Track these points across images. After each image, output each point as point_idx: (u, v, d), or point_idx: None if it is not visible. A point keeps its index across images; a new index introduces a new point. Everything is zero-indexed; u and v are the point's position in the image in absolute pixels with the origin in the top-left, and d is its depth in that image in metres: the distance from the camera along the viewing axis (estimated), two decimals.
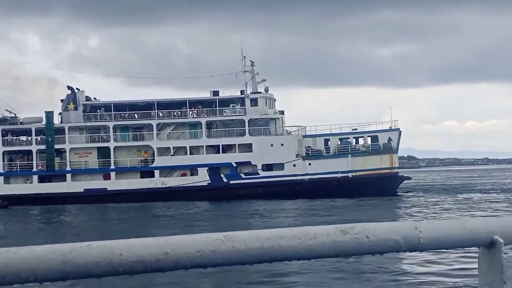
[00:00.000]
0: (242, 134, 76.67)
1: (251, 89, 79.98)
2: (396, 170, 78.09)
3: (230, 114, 78.33)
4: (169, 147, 76.77)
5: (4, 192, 73.18)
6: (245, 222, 43.50)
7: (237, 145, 76.27)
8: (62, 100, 79.08)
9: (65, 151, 76.58)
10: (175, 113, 79.08)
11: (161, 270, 2.32)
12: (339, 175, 74.55)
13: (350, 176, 74.68)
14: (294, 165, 75.03)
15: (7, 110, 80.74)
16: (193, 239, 2.38)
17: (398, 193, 73.95)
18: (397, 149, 77.99)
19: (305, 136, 77.81)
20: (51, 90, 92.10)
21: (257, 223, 43.02)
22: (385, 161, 75.63)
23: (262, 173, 75.08)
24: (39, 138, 77.36)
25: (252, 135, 76.48)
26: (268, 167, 75.38)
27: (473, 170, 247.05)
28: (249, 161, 75.37)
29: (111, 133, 76.99)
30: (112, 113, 78.29)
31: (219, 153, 76.27)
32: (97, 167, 76.37)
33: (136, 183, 74.99)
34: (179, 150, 76.73)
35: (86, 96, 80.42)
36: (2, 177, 75.60)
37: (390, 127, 78.42)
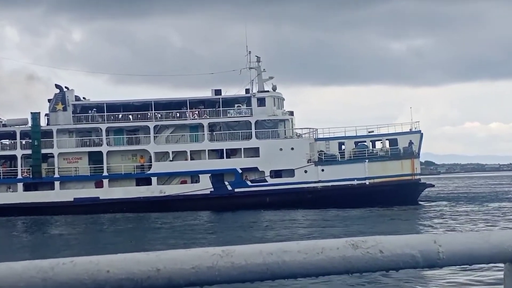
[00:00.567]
0: (248, 137, 76.52)
1: (257, 88, 79.77)
2: (418, 177, 77.89)
3: (235, 115, 78.15)
4: (167, 152, 76.65)
5: None
6: (251, 235, 43.44)
7: (242, 150, 76.10)
8: (49, 100, 78.81)
9: (53, 156, 76.45)
10: (174, 114, 78.93)
11: None
12: (355, 182, 74.35)
13: (367, 183, 74.46)
14: (306, 171, 74.85)
15: None
16: (188, 254, 2.36)
17: (420, 202, 73.75)
18: (419, 154, 77.77)
19: (317, 139, 77.59)
20: (29, 88, 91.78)
21: (264, 236, 42.95)
22: (406, 167, 75.36)
23: (270, 180, 74.89)
24: (24, 142, 77.19)
25: (259, 138, 76.32)
26: (276, 173, 75.21)
27: (499, 176, 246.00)
28: (256, 167, 75.21)
29: (104, 136, 76.86)
30: (105, 114, 78.12)
31: (223, 158, 76.14)
32: (89, 174, 76.26)
33: (131, 191, 74.82)
34: (178, 155, 76.61)
35: (76, 96, 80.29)
36: None
37: (410, 129, 78.14)
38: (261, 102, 78.02)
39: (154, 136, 76.73)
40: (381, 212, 60.12)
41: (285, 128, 78.08)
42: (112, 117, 78.43)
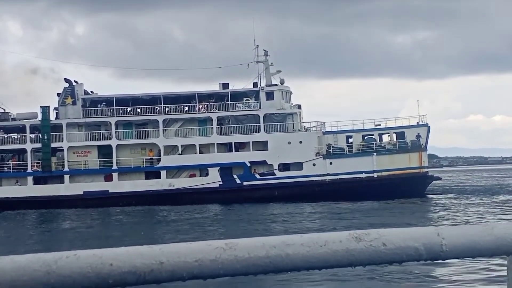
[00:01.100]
0: (257, 130, 76.54)
1: (265, 81, 79.79)
2: (426, 170, 77.89)
3: (244, 109, 78.19)
4: (176, 145, 76.74)
5: None
6: (259, 227, 43.46)
7: (251, 143, 76.13)
8: (58, 94, 78.94)
9: (63, 150, 76.62)
10: (183, 108, 79.01)
11: (155, 281, 2.31)
12: (363, 175, 74.35)
13: (375, 176, 74.46)
14: (314, 165, 74.86)
15: None
16: (191, 247, 2.36)
17: (427, 195, 73.75)
18: (426, 147, 77.69)
19: (325, 133, 77.58)
20: (32, 82, 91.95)
21: (272, 228, 42.96)
22: (413, 160, 75.37)
23: (278, 174, 74.92)
24: (33, 136, 77.37)
25: (268, 131, 76.34)
26: (285, 167, 75.25)
27: (502, 169, 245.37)
28: (265, 160, 75.26)
29: (113, 130, 76.97)
30: (114, 108, 78.25)
31: (232, 151, 76.22)
32: (98, 168, 76.40)
33: (140, 184, 74.96)
34: (187, 149, 76.69)
35: (85, 90, 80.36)
36: None
37: (417, 123, 78.11)
38: (270, 95, 78.01)
39: (163, 129, 76.81)
40: (389, 205, 60.07)
41: (293, 121, 78.09)
42: (121, 111, 78.50)
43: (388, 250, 2.56)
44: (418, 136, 76.16)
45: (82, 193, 74.21)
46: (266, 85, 79.19)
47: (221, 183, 74.82)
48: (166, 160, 75.93)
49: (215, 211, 61.68)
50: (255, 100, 78.36)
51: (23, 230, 49.58)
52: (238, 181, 75.08)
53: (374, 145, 75.93)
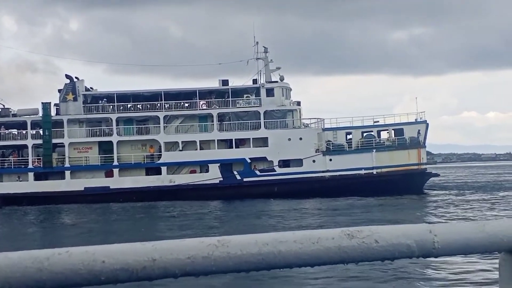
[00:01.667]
0: (257, 127, 76.57)
1: (264, 78, 79.78)
2: (424, 167, 77.98)
3: (244, 106, 78.17)
4: (177, 142, 76.72)
5: None
6: (259, 224, 43.48)
7: (251, 139, 76.18)
8: (59, 90, 78.88)
9: (64, 146, 76.61)
10: (183, 105, 78.98)
11: (148, 278, 2.30)
12: (362, 171, 74.40)
13: (375, 173, 74.50)
14: (314, 161, 74.90)
15: None
16: (184, 244, 2.35)
17: (425, 191, 73.82)
18: (425, 144, 77.71)
19: (325, 129, 77.60)
20: (27, 77, 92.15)
21: (272, 224, 42.94)
22: (412, 157, 75.46)
23: (278, 170, 74.95)
24: (34, 132, 77.39)
25: (268, 128, 76.36)
26: (285, 163, 75.29)
27: (496, 166, 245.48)
28: (265, 157, 75.29)
29: (114, 126, 76.96)
30: (115, 104, 78.25)
31: (232, 148, 76.26)
32: (99, 164, 76.42)
33: (141, 180, 75.01)
34: (188, 145, 76.69)
35: (85, 87, 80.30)
36: None
37: (416, 119, 78.22)
38: (270, 92, 78.01)
39: (164, 126, 76.82)
40: (388, 201, 60.07)
41: (293, 118, 78.13)
42: (122, 107, 78.54)
43: (381, 247, 2.56)
44: (419, 133, 76.27)
45: (83, 189, 74.23)
46: (266, 81, 79.17)
47: (221, 179, 74.84)
48: (167, 156, 75.94)
49: (216, 207, 61.68)
50: (255, 96, 78.39)
51: (24, 226, 49.56)
52: (238, 177, 75.12)
53: (374, 141, 76.00)
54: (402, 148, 75.53)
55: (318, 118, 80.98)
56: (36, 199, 71.55)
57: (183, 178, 75.29)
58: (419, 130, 76.46)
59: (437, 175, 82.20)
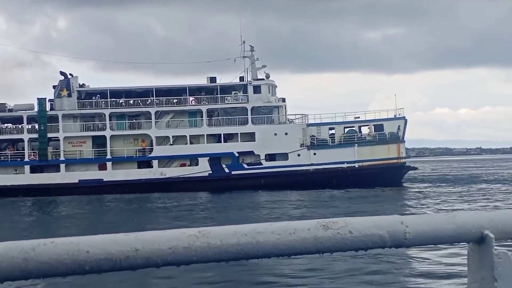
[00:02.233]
0: (245, 122, 76.65)
1: (251, 76, 79.86)
2: (403, 160, 78.32)
3: (232, 102, 78.28)
4: (168, 136, 76.71)
5: None
6: (247, 214, 43.51)
7: (239, 134, 76.27)
8: (54, 87, 78.73)
9: (59, 140, 76.46)
10: (174, 101, 78.95)
11: (131, 268, 2.29)
12: (345, 165, 74.63)
13: (357, 166, 74.74)
14: (299, 155, 75.10)
15: None
16: (166, 235, 2.35)
17: (403, 184, 74.22)
18: (403, 139, 77.96)
19: (309, 125, 77.75)
20: (16, 73, 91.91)
21: (259, 215, 43.01)
22: (392, 151, 75.80)
23: (265, 163, 75.10)
24: (29, 127, 77.29)
25: (255, 123, 76.49)
26: (271, 157, 75.43)
27: (467, 160, 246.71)
28: (252, 151, 75.40)
29: (107, 121, 76.86)
30: (108, 100, 78.14)
31: (221, 142, 76.32)
32: (92, 157, 76.33)
33: (133, 173, 74.98)
34: (178, 139, 76.69)
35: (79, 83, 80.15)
36: None
37: (395, 115, 78.48)
38: (257, 89, 78.17)
39: (155, 121, 76.82)
40: (369, 193, 60.25)
41: (279, 114, 78.28)
42: (115, 103, 78.42)
43: (354, 238, 2.56)
44: (399, 128, 76.63)
45: (77, 181, 74.17)
46: (252, 79, 79.24)
47: (210, 172, 74.90)
48: (158, 150, 75.93)
49: (205, 198, 61.70)
50: (243, 93, 78.50)
51: (20, 217, 49.44)
52: (226, 170, 75.19)
53: (355, 137, 76.27)
54: (382, 143, 75.84)
55: (302, 114, 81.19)
56: (32, 191, 71.45)
57: (174, 171, 75.32)
58: (399, 126, 76.76)
59: (415, 168, 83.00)
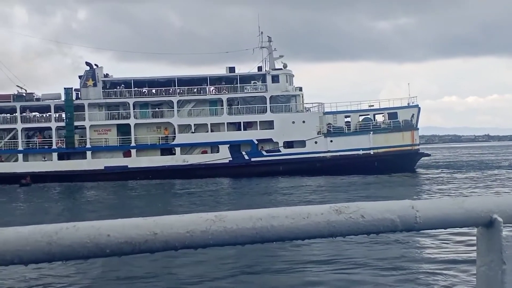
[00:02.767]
0: (264, 111, 76.66)
1: (269, 66, 79.90)
2: (417, 147, 78.14)
3: (251, 91, 78.33)
4: (189, 124, 76.85)
5: (24, 169, 73.60)
6: (267, 199, 43.56)
7: (258, 122, 76.31)
8: (80, 77, 79.14)
9: (85, 128, 76.82)
10: (195, 90, 79.05)
11: (150, 251, 2.30)
12: (360, 152, 74.53)
13: (372, 153, 74.62)
14: (316, 142, 75.08)
15: (18, 86, 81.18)
16: (183, 219, 2.36)
17: (416, 170, 74.08)
18: (417, 126, 77.73)
19: (325, 113, 77.66)
20: (37, 63, 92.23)
21: (277, 199, 43.04)
22: (406, 138, 75.66)
23: (283, 150, 75.13)
24: (57, 115, 77.68)
25: (274, 112, 76.51)
26: (289, 144, 75.45)
27: (476, 146, 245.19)
28: (271, 138, 75.44)
29: (131, 110, 77.15)
30: (132, 89, 78.41)
31: (240, 130, 76.40)
32: (117, 145, 76.64)
33: (156, 160, 75.22)
34: (199, 127, 76.82)
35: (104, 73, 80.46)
36: (21, 154, 75.96)
37: (408, 104, 78.27)
38: (275, 79, 78.18)
39: (177, 110, 76.97)
40: (384, 179, 60.15)
41: (296, 102, 78.22)
42: (139, 92, 78.63)
43: (366, 222, 2.56)
44: (413, 116, 76.52)
45: (103, 168, 74.55)
46: (270, 69, 79.26)
47: (230, 159, 75.03)
48: (180, 138, 76.12)
49: (226, 184, 61.83)
50: (261, 83, 78.55)
51: (49, 201, 49.73)
52: (246, 157, 75.30)
53: (371, 124, 76.13)
54: (396, 131, 75.65)
55: (318, 103, 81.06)
56: (60, 177, 71.94)
57: (195, 158, 75.49)
58: (413, 114, 76.61)
59: (428, 155, 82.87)
